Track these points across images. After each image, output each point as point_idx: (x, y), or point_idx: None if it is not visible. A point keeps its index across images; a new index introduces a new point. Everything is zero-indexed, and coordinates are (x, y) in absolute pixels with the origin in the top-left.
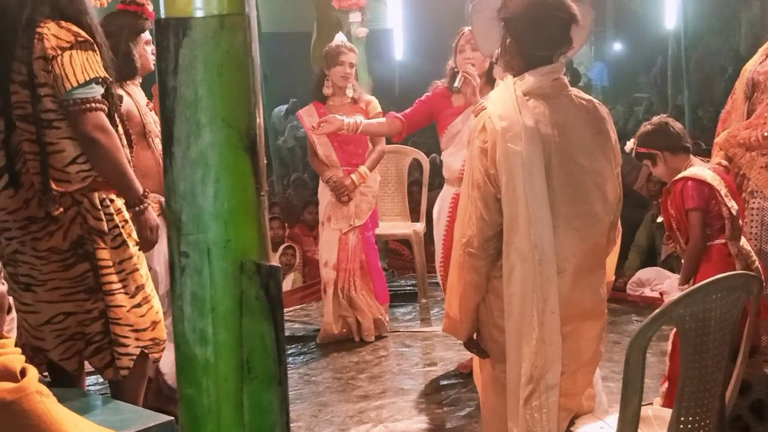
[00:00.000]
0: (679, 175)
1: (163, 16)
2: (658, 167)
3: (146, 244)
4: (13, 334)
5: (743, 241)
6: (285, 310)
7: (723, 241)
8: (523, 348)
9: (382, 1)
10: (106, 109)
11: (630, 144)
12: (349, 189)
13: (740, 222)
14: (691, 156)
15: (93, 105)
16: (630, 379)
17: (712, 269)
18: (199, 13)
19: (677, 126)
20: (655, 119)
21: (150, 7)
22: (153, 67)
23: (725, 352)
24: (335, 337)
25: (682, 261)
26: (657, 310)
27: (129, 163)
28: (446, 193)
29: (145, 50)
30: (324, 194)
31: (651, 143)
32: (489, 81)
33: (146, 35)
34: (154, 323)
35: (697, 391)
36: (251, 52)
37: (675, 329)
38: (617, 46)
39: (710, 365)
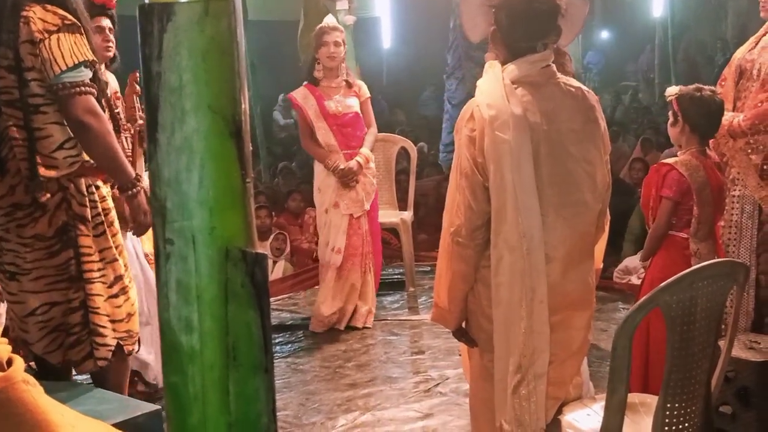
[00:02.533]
0: (670, 160)
1: (147, 1)
2: (674, 129)
3: (139, 228)
4: (2, 322)
5: (707, 250)
6: (273, 298)
7: (685, 235)
8: (511, 337)
9: None
10: (96, 92)
11: (675, 90)
12: (357, 174)
13: (716, 226)
14: (705, 148)
15: (83, 89)
16: (617, 367)
17: (667, 257)
18: None
19: (718, 115)
20: (709, 91)
21: None
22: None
23: (711, 340)
24: (328, 322)
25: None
26: (643, 298)
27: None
28: None
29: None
30: (327, 180)
31: (685, 107)
32: None
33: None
34: (129, 315)
35: (683, 378)
36: (236, 38)
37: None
38: (605, 35)
39: (696, 352)
